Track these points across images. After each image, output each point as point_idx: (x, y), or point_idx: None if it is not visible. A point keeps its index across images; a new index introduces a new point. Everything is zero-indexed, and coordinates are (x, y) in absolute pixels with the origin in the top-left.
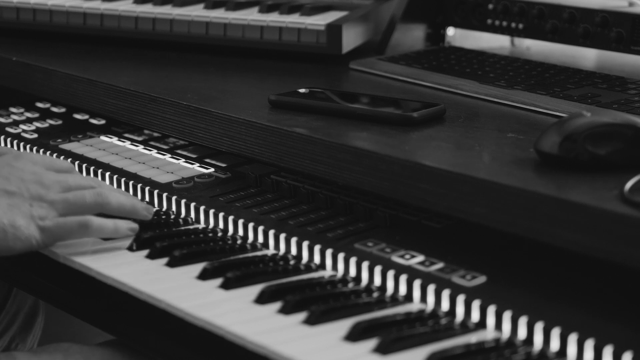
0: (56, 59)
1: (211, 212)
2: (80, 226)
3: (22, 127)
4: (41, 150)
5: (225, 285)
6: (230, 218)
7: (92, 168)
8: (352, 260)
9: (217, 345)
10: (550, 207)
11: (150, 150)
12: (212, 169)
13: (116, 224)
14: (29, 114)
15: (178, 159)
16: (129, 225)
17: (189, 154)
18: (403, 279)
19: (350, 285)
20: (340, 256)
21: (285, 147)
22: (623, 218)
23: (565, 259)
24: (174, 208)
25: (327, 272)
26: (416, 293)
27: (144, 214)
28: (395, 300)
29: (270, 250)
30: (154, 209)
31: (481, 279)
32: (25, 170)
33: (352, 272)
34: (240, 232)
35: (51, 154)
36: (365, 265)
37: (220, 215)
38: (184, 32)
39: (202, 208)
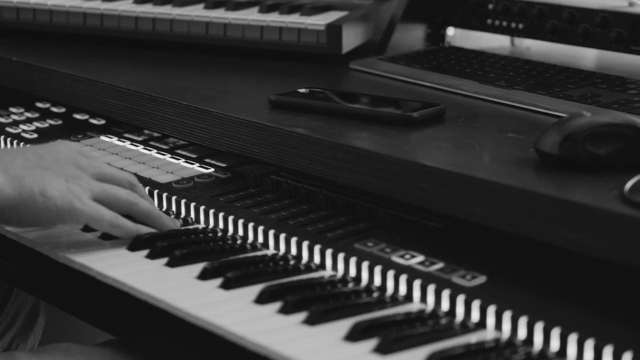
0: (56, 59)
1: (211, 212)
2: (111, 217)
3: (22, 127)
4: None
5: (225, 285)
6: (230, 218)
7: None
8: (352, 260)
9: (217, 345)
10: (550, 207)
11: (150, 150)
12: (212, 169)
13: (138, 228)
14: (29, 114)
15: (178, 159)
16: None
17: (189, 154)
18: (403, 279)
19: (350, 285)
20: (340, 256)
21: (285, 147)
22: (623, 218)
23: (565, 259)
24: (174, 208)
25: (327, 272)
26: (416, 293)
27: (170, 225)
28: (395, 300)
29: (270, 250)
30: (180, 222)
31: (481, 279)
32: (61, 152)
33: (352, 272)
34: (240, 232)
35: None
36: (365, 265)
37: (220, 215)
38: (184, 32)
39: (202, 208)
